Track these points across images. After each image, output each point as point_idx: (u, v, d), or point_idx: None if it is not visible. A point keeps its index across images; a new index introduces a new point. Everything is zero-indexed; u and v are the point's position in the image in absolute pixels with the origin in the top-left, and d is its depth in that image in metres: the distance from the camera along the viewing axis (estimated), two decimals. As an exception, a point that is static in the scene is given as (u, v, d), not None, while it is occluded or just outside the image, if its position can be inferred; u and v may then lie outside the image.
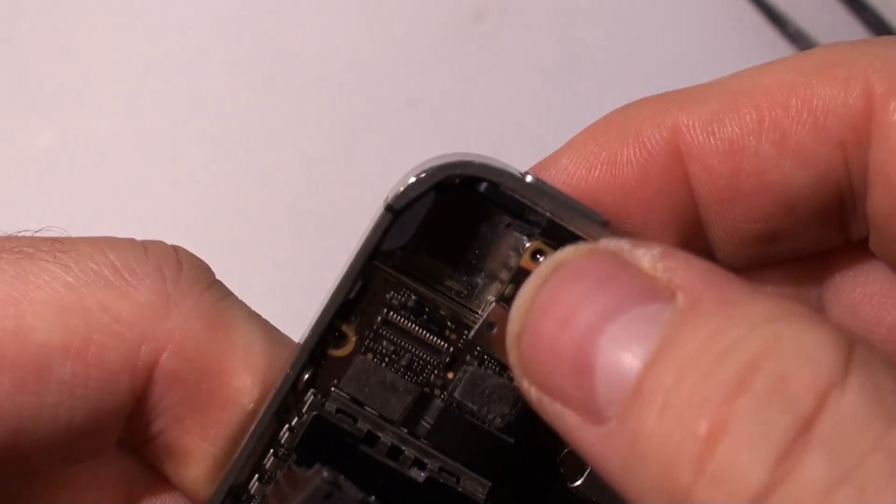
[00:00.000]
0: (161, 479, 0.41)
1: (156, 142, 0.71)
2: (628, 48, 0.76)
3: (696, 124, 0.38)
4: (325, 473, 0.37)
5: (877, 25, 0.77)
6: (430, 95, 0.74)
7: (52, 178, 0.71)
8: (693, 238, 0.39)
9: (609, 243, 0.34)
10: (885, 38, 0.37)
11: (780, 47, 0.76)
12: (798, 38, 0.77)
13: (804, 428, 0.29)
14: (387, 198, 0.37)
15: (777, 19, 0.77)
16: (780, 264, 0.41)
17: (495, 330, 0.38)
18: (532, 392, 0.34)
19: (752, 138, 0.37)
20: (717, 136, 0.38)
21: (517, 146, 0.74)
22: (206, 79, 0.72)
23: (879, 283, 0.40)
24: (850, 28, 0.76)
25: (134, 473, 0.41)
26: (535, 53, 0.75)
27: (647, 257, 0.33)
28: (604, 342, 0.32)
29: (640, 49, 0.75)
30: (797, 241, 0.39)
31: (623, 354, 0.31)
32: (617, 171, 0.39)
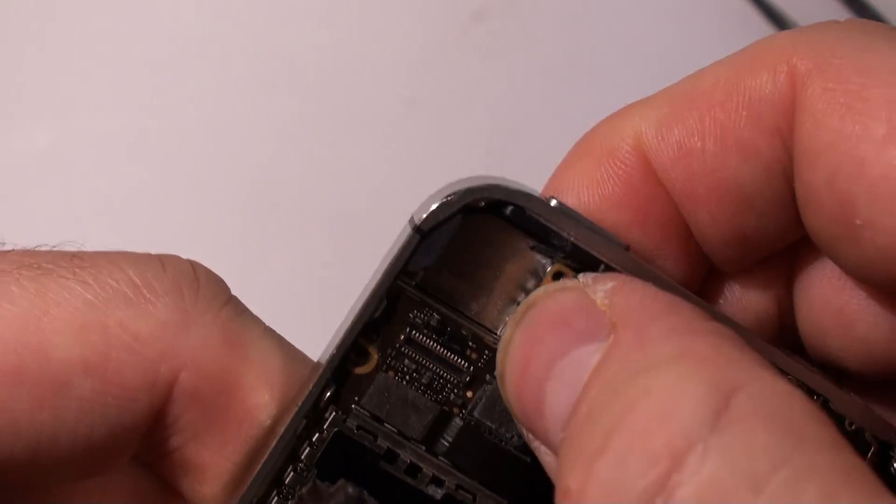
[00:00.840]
0: (173, 494, 0.41)
1: (155, 142, 0.71)
2: (628, 48, 0.76)
3: (650, 131, 0.39)
4: (350, 489, 0.38)
5: (876, 25, 0.77)
6: (430, 95, 0.74)
7: (51, 178, 0.70)
8: (689, 243, 0.40)
9: (574, 281, 0.36)
10: (813, 24, 0.37)
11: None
12: (797, 39, 0.76)
13: (659, 492, 0.29)
14: (412, 218, 0.38)
15: (777, 19, 0.77)
16: (764, 262, 0.41)
17: None
18: (522, 430, 0.36)
19: (696, 139, 0.38)
20: (667, 140, 0.38)
21: (517, 146, 0.74)
22: (205, 79, 0.72)
23: (830, 270, 0.40)
24: (850, 28, 0.76)
25: (147, 487, 0.42)
26: (535, 53, 0.75)
27: (600, 293, 0.35)
28: (549, 386, 0.34)
29: (639, 48, 0.76)
30: (766, 237, 0.39)
31: (560, 397, 0.34)
32: (602, 190, 0.39)
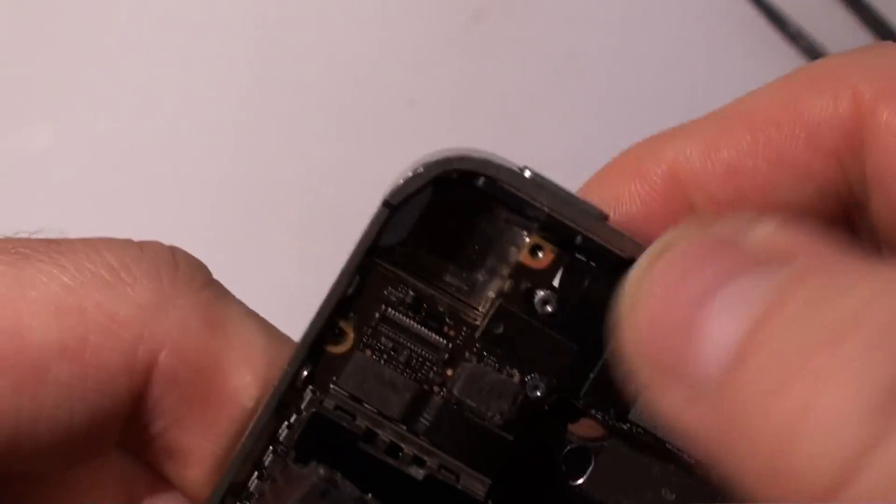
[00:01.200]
0: (162, 480, 0.41)
1: (155, 142, 0.71)
2: (628, 48, 0.75)
3: (694, 153, 0.38)
4: (321, 471, 0.37)
5: (877, 25, 0.77)
6: (430, 96, 0.74)
7: (50, 178, 0.70)
8: None
9: (721, 223, 0.32)
10: (872, 45, 0.38)
11: (780, 47, 0.76)
12: (798, 39, 0.77)
13: None
14: (384, 193, 0.37)
15: (777, 19, 0.77)
16: None
17: (501, 328, 0.38)
18: (642, 374, 0.32)
19: (748, 159, 0.37)
20: (715, 161, 0.38)
21: (518, 146, 0.74)
22: (205, 79, 0.72)
23: None
24: (851, 28, 0.76)
25: (134, 474, 0.41)
26: (535, 53, 0.75)
27: (764, 227, 0.30)
28: (711, 312, 0.29)
29: (640, 49, 0.75)
30: None
31: (729, 321, 0.29)
32: (622, 209, 0.39)
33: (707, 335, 0.29)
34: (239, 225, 0.71)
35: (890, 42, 0.37)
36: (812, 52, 0.76)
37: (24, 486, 0.40)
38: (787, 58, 0.76)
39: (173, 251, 0.39)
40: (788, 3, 0.76)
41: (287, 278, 0.71)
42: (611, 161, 0.40)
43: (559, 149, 0.74)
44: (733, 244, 0.31)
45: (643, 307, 0.31)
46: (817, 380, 0.27)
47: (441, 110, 0.75)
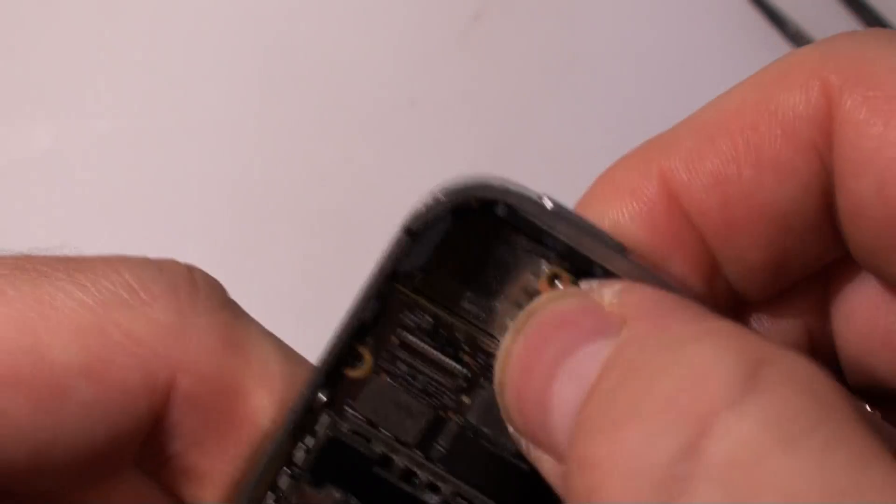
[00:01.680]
0: (176, 501, 0.41)
1: (155, 143, 0.71)
2: (628, 48, 0.75)
3: (678, 164, 0.38)
4: (336, 494, 0.38)
5: (877, 25, 0.77)
6: (431, 96, 0.74)
7: (50, 178, 0.70)
8: (715, 279, 0.39)
9: (576, 288, 0.36)
10: (838, 34, 0.37)
11: (780, 47, 0.76)
12: (798, 39, 0.76)
13: (690, 455, 0.28)
14: (404, 219, 0.38)
15: (777, 19, 0.77)
16: (793, 288, 0.40)
17: None
18: (520, 441, 0.36)
19: (731, 165, 0.37)
20: (699, 171, 0.38)
21: (517, 146, 0.74)
22: (205, 79, 0.72)
23: (874, 289, 0.39)
24: (851, 28, 0.76)
25: (149, 495, 0.41)
26: (535, 53, 0.75)
27: (608, 295, 0.34)
28: (557, 385, 0.33)
29: (639, 49, 0.75)
30: (803, 259, 0.39)
31: (569, 393, 0.33)
32: (623, 233, 0.38)
33: (555, 407, 0.33)
34: (239, 224, 0.71)
35: (854, 30, 0.37)
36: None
37: None
38: (786, 58, 0.76)
39: (191, 270, 0.39)
40: (788, 3, 0.76)
41: (287, 279, 0.71)
42: (597, 180, 0.40)
43: (559, 148, 0.74)
44: (579, 314, 0.34)
45: (511, 369, 0.35)
46: (610, 464, 0.30)
47: (442, 110, 0.74)
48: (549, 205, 0.37)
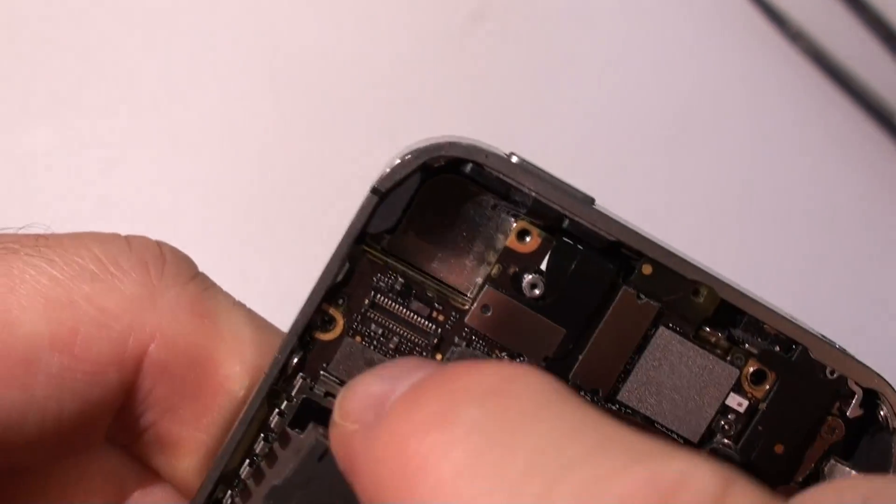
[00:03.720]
0: (151, 473, 0.42)
1: (155, 143, 0.71)
2: (628, 48, 0.75)
3: None
4: (321, 430, 0.37)
5: (877, 25, 0.76)
6: (430, 96, 0.74)
7: (50, 178, 0.70)
8: None
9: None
10: None
11: (780, 47, 0.75)
12: (798, 38, 0.76)
13: None
14: (372, 181, 0.38)
15: (777, 19, 0.76)
16: None
17: (490, 312, 0.38)
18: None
19: None
20: None
21: (517, 146, 0.73)
22: (206, 79, 0.72)
23: None
24: (851, 28, 0.75)
25: (123, 468, 0.42)
26: (534, 52, 0.75)
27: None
28: None
29: (639, 49, 0.75)
30: None
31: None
32: None
33: None
34: (239, 224, 0.71)
35: None
36: (812, 52, 0.76)
37: (10, 480, 0.40)
38: (787, 58, 0.76)
39: (160, 245, 0.40)
40: (788, 3, 0.76)
41: (285, 279, 0.71)
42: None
43: (559, 148, 0.74)
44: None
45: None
46: None
47: (441, 111, 0.74)
48: (515, 160, 0.38)
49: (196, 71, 0.71)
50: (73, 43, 0.71)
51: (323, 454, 0.37)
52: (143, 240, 0.40)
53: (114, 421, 0.39)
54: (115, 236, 0.39)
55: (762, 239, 0.73)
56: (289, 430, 0.38)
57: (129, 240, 0.39)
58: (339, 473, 0.36)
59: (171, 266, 0.39)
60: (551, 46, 0.74)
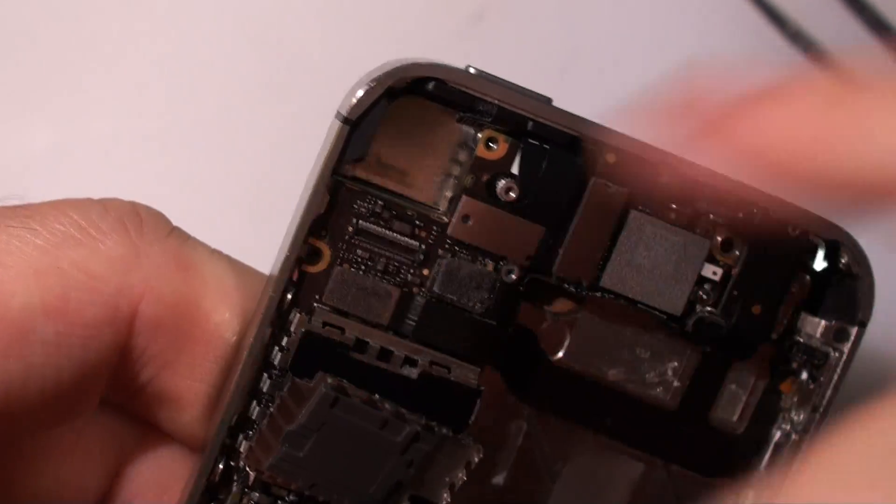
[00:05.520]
0: (151, 433, 0.42)
1: (155, 142, 0.71)
2: (628, 47, 0.75)
3: None
4: (329, 380, 0.38)
5: (877, 25, 0.76)
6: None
7: (51, 178, 0.71)
8: None
9: None
10: None
11: (780, 47, 0.75)
12: (798, 38, 0.76)
13: None
14: (339, 110, 0.39)
15: (777, 19, 0.76)
16: None
17: (470, 221, 0.39)
18: None
19: None
20: None
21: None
22: (206, 79, 0.72)
23: None
24: (851, 28, 0.75)
25: (122, 430, 0.42)
26: (535, 53, 0.75)
27: None
28: None
29: (639, 48, 0.75)
30: None
31: None
32: None
33: None
34: (240, 224, 0.71)
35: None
36: (812, 52, 0.76)
37: (9, 449, 0.40)
38: (787, 58, 0.75)
39: (134, 204, 0.41)
40: (788, 3, 0.76)
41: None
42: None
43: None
44: None
45: None
46: None
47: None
48: (474, 71, 0.40)
49: (197, 71, 0.72)
50: (74, 42, 0.72)
51: (334, 401, 0.38)
52: (117, 201, 0.40)
53: (112, 382, 0.40)
54: (90, 200, 0.40)
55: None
56: (296, 379, 0.38)
57: (103, 202, 0.40)
58: (351, 417, 0.38)
59: (148, 223, 0.40)
60: (551, 46, 0.75)
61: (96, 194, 0.70)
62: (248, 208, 0.70)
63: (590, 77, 0.74)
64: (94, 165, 0.70)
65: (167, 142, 0.70)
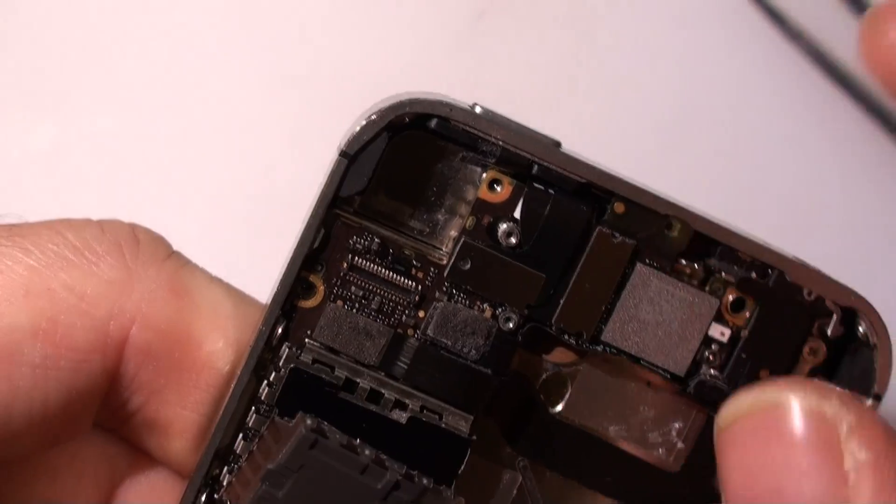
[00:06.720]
0: (143, 457, 0.42)
1: (155, 142, 0.70)
2: (629, 46, 0.75)
3: None
4: (308, 421, 0.37)
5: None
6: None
7: (51, 178, 0.70)
8: None
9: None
10: None
11: (780, 47, 0.74)
12: (798, 38, 0.75)
13: None
14: (340, 144, 0.38)
15: (777, 19, 0.75)
16: None
17: (468, 265, 0.38)
18: None
19: None
20: None
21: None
22: (206, 79, 0.71)
23: None
24: (851, 28, 0.74)
25: (115, 453, 0.42)
26: (537, 52, 0.74)
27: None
28: None
29: (640, 48, 0.75)
30: None
31: None
32: None
33: None
34: (240, 224, 0.71)
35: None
36: (812, 51, 0.75)
37: (1, 470, 0.39)
38: (787, 58, 0.75)
39: (133, 227, 0.40)
40: (788, 3, 0.75)
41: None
42: None
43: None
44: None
45: None
46: None
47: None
48: (479, 110, 0.38)
49: (199, 71, 0.71)
50: (72, 42, 0.71)
51: (314, 443, 0.37)
52: (116, 223, 0.40)
53: (102, 407, 0.39)
54: (88, 221, 0.39)
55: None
56: (276, 418, 0.38)
57: (101, 224, 0.39)
58: (331, 460, 0.37)
59: (145, 247, 0.39)
60: (553, 45, 0.74)
61: (96, 194, 0.69)
62: (251, 207, 0.70)
63: (590, 76, 0.73)
64: (93, 165, 0.69)
65: (167, 142, 0.69)
